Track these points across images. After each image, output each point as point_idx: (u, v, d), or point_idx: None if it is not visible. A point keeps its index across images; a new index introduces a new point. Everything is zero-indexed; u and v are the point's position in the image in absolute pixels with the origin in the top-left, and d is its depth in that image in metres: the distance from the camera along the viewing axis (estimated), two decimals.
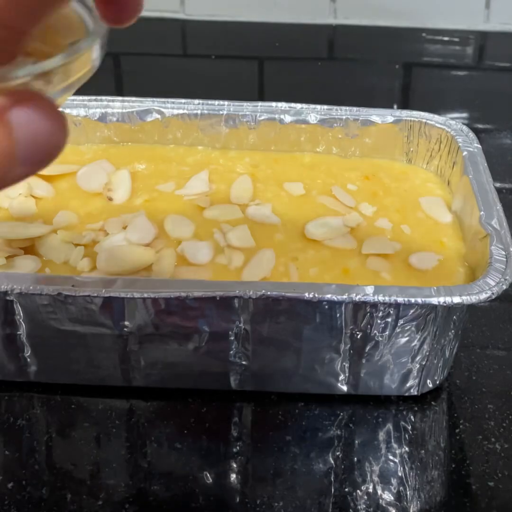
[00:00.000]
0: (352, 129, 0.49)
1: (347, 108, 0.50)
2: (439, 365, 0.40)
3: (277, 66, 0.77)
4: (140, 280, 0.36)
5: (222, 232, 0.43)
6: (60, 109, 0.21)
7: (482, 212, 0.41)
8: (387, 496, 0.37)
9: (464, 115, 0.69)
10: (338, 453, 0.39)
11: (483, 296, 0.36)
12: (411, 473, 0.38)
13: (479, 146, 0.47)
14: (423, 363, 0.39)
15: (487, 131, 0.66)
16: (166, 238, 0.43)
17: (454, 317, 0.38)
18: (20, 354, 0.40)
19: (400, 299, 0.36)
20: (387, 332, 0.38)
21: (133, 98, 0.50)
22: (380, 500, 0.37)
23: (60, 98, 0.21)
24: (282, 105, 0.50)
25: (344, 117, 0.49)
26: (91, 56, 0.22)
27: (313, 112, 0.50)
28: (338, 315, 0.37)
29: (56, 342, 0.39)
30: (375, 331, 0.37)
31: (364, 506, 0.37)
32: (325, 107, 0.50)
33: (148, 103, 0.50)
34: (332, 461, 0.39)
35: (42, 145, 0.20)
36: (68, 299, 0.36)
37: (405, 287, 0.36)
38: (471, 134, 0.48)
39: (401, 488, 0.38)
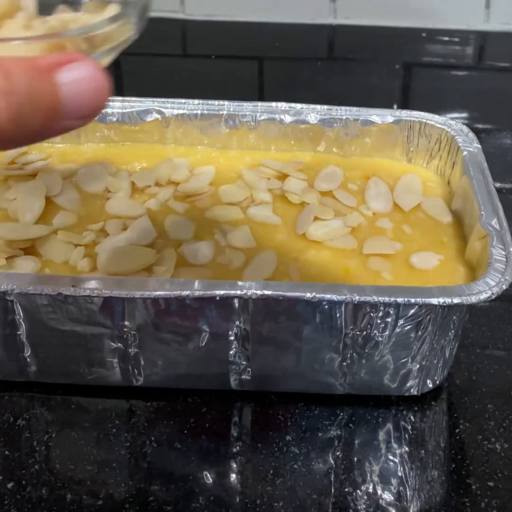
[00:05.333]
0: (352, 129, 0.49)
1: (347, 108, 0.50)
2: (439, 365, 0.40)
3: (277, 66, 0.77)
4: (140, 280, 0.36)
5: (223, 233, 0.43)
6: (104, 69, 0.22)
7: (482, 212, 0.41)
8: (387, 496, 0.37)
9: (464, 115, 0.69)
10: (338, 453, 0.39)
11: (483, 296, 0.36)
12: (411, 473, 0.38)
13: (479, 146, 0.47)
14: (423, 363, 0.39)
15: (487, 131, 0.66)
16: (166, 239, 0.43)
17: (454, 317, 0.38)
18: (20, 354, 0.40)
19: (400, 299, 0.36)
20: (387, 332, 0.38)
21: (133, 98, 0.50)
22: (380, 500, 0.37)
23: (102, 60, 0.23)
24: (282, 105, 0.50)
25: (344, 117, 0.49)
26: (133, 23, 0.24)
27: (313, 112, 0.50)
28: (338, 315, 0.37)
29: (56, 342, 0.39)
30: (375, 331, 0.37)
31: (364, 506, 0.37)
32: (325, 107, 0.50)
33: (148, 103, 0.50)
34: (332, 461, 0.39)
35: (86, 101, 0.22)
36: (68, 299, 0.36)
37: (405, 287, 0.37)
38: (471, 134, 0.48)
39: (401, 488, 0.38)
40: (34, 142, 0.23)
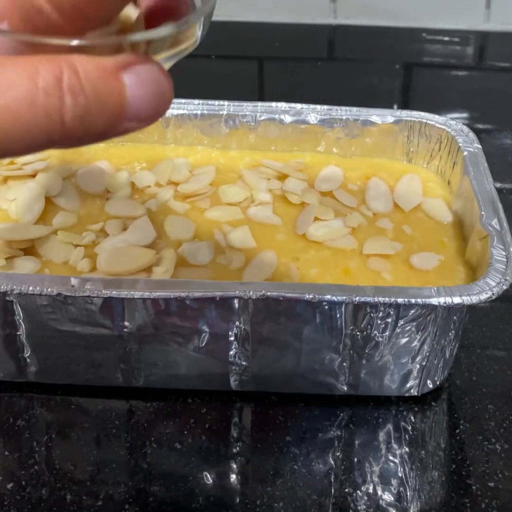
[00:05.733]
0: (352, 129, 0.49)
1: (347, 108, 0.50)
2: (439, 365, 0.40)
3: (277, 66, 0.77)
4: (140, 280, 0.36)
5: (223, 233, 0.43)
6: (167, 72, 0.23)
7: (482, 212, 0.41)
8: (387, 497, 0.37)
9: (465, 115, 0.68)
10: (338, 454, 0.39)
11: (483, 296, 0.36)
12: (411, 474, 0.38)
13: (480, 146, 0.47)
14: (423, 363, 0.39)
15: (487, 131, 0.66)
16: (166, 239, 0.43)
17: (455, 317, 0.38)
18: (19, 355, 0.40)
19: (400, 300, 0.36)
20: (387, 333, 0.37)
21: None
22: (380, 501, 0.37)
23: (165, 65, 0.23)
24: (282, 105, 0.50)
25: (344, 117, 0.49)
26: (196, 30, 0.24)
27: (313, 112, 0.50)
28: (338, 315, 0.37)
29: (56, 342, 0.39)
30: (375, 332, 0.37)
31: (364, 506, 0.37)
32: (325, 107, 0.50)
33: None
34: (332, 462, 0.39)
35: (149, 104, 0.22)
36: (67, 299, 0.36)
37: (405, 288, 0.36)
38: (472, 134, 0.47)
39: (401, 488, 0.38)
40: (96, 142, 0.23)
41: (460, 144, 0.47)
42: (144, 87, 0.22)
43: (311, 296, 0.35)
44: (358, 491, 0.37)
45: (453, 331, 0.39)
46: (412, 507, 0.37)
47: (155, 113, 0.23)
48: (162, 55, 0.23)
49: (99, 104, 0.21)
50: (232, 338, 0.38)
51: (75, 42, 0.21)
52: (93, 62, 0.21)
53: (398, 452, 0.39)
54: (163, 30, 0.22)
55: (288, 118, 0.50)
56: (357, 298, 0.35)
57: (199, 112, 0.50)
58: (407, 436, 0.40)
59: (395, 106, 0.69)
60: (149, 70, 0.22)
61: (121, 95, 0.22)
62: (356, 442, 0.40)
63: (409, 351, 0.38)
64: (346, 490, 0.37)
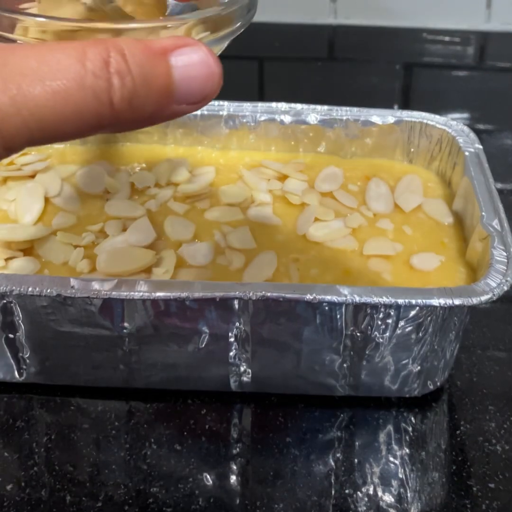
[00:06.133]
0: (352, 129, 0.49)
1: (348, 108, 0.49)
2: (440, 366, 0.40)
3: (277, 66, 0.77)
4: (140, 281, 0.36)
5: (223, 234, 0.43)
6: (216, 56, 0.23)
7: (483, 213, 0.41)
8: (388, 498, 0.37)
9: (465, 115, 0.68)
10: (338, 455, 0.39)
11: (484, 297, 0.35)
12: (411, 475, 0.38)
13: (480, 146, 0.46)
14: (424, 364, 0.39)
15: (488, 131, 0.66)
16: (166, 240, 0.43)
17: (455, 318, 0.38)
18: (19, 356, 0.40)
19: (400, 301, 0.35)
20: (387, 334, 0.37)
21: None
22: (381, 502, 0.37)
23: (214, 47, 0.24)
24: (282, 105, 0.50)
25: (344, 117, 0.49)
26: (243, 12, 0.25)
27: (313, 113, 0.50)
28: (338, 316, 0.37)
29: (55, 343, 0.39)
30: (376, 333, 0.37)
31: (365, 508, 0.37)
32: (325, 107, 0.50)
33: None
34: (333, 463, 0.39)
35: (198, 86, 0.23)
36: (67, 300, 0.36)
37: (406, 288, 0.36)
38: (472, 135, 0.47)
39: (401, 489, 0.37)
40: (145, 126, 0.23)
41: (461, 145, 0.47)
42: (192, 69, 0.22)
43: (311, 297, 0.35)
44: (359, 492, 0.37)
45: (453, 332, 0.39)
46: (412, 508, 0.37)
47: (203, 96, 0.23)
48: (209, 37, 0.24)
49: (147, 85, 0.22)
50: (232, 339, 0.38)
51: (121, 25, 0.22)
52: (140, 45, 0.22)
53: (398, 453, 0.39)
54: (212, 11, 0.23)
55: (288, 118, 0.50)
56: (357, 299, 0.35)
57: (199, 112, 0.50)
58: (407, 437, 0.40)
59: (396, 107, 0.69)
60: (197, 52, 0.22)
61: (169, 76, 0.22)
62: (357, 443, 0.40)
63: (410, 352, 0.38)
64: (347, 491, 0.37)
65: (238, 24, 0.24)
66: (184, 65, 0.22)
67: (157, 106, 0.22)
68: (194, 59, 0.22)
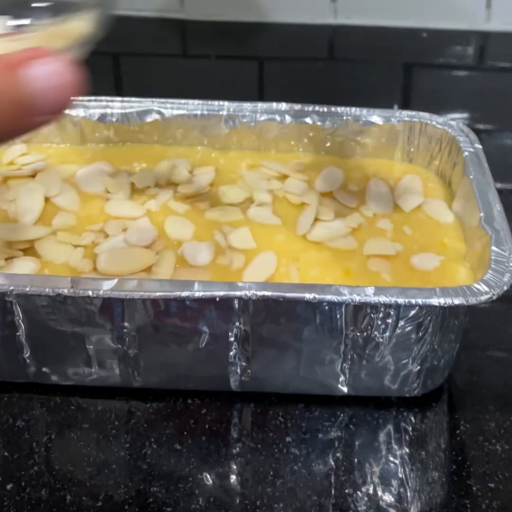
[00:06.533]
0: (352, 129, 0.49)
1: (348, 108, 0.49)
2: (440, 366, 0.40)
3: (277, 66, 0.77)
4: (140, 281, 0.36)
5: (223, 233, 0.43)
6: (73, 64, 0.23)
7: (482, 213, 0.41)
8: (388, 498, 0.37)
9: (465, 115, 0.68)
10: (338, 455, 0.39)
11: (483, 297, 0.36)
12: (411, 475, 0.38)
13: (480, 146, 0.47)
14: (424, 364, 0.39)
15: (488, 131, 0.66)
16: (166, 240, 0.43)
17: (455, 318, 0.38)
18: (19, 355, 0.40)
19: (400, 300, 0.36)
20: (387, 333, 0.37)
21: (133, 98, 0.50)
22: (381, 502, 0.37)
23: (72, 56, 0.24)
24: (282, 105, 0.50)
25: (344, 117, 0.49)
26: (94, 19, 0.24)
27: (313, 112, 0.50)
28: (338, 316, 0.37)
29: (56, 343, 0.39)
30: (376, 332, 0.37)
31: (365, 507, 0.37)
32: (325, 107, 0.50)
33: (147, 103, 0.50)
34: (333, 463, 0.39)
35: (53, 96, 0.22)
36: (67, 300, 0.36)
37: (406, 288, 0.36)
38: (472, 135, 0.47)
39: (401, 489, 0.38)
40: (9, 139, 0.23)
41: (461, 145, 0.47)
42: (45, 80, 0.22)
43: (311, 297, 0.35)
44: (358, 492, 0.37)
45: (453, 332, 0.39)
46: (412, 508, 0.37)
47: (61, 105, 0.23)
48: (65, 46, 0.23)
49: None
50: (232, 339, 0.38)
51: None
52: None
53: (398, 452, 0.39)
54: (57, 21, 0.23)
55: (288, 118, 0.50)
56: (357, 299, 0.35)
57: (199, 112, 0.50)
58: (407, 437, 0.40)
59: (396, 106, 0.69)
60: (50, 63, 0.22)
61: (19, 88, 0.22)
62: (356, 442, 0.40)
63: (410, 352, 0.38)
64: (346, 491, 0.37)
65: (90, 31, 0.24)
66: (40, 76, 0.22)
67: (14, 120, 0.22)
68: (46, 70, 0.22)
